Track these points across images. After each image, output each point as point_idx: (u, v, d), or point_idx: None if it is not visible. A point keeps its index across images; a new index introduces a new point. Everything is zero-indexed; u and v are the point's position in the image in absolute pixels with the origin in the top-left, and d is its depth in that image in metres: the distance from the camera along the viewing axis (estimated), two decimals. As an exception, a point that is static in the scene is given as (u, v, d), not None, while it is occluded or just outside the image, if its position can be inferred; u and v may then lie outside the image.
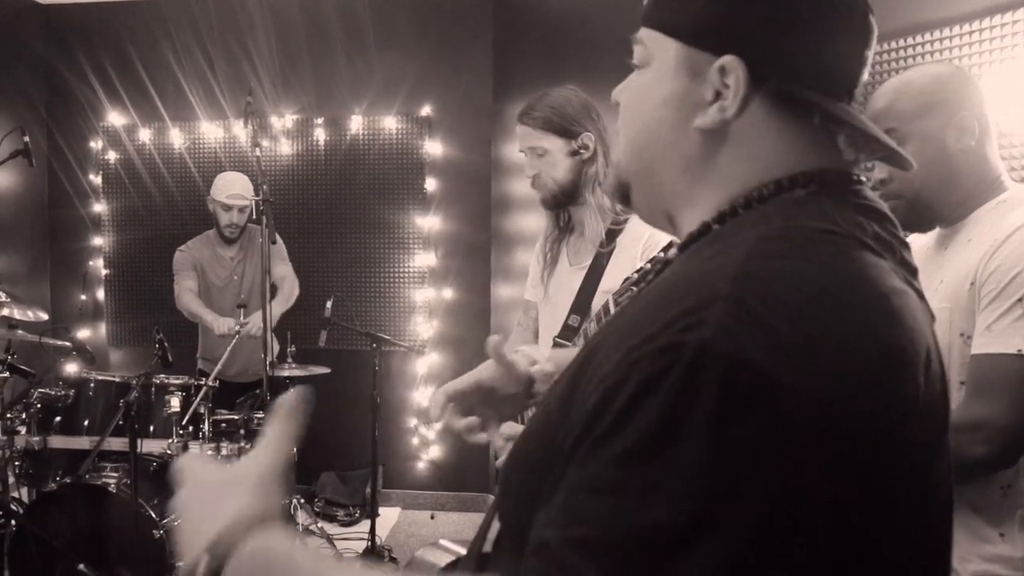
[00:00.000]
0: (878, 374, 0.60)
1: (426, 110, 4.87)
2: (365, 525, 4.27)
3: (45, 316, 3.58)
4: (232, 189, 4.02)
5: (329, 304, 3.91)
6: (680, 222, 0.81)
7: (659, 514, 0.53)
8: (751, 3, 0.72)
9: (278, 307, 4.07)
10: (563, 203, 2.14)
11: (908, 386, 0.63)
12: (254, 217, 3.86)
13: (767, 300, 0.59)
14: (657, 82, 0.78)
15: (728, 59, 0.72)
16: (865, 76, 0.76)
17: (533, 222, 4.81)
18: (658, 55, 0.78)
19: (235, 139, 5.06)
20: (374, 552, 3.99)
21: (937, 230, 1.61)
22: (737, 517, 0.53)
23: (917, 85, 1.53)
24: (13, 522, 3.07)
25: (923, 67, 1.60)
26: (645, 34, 0.80)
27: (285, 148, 5.00)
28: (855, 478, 0.58)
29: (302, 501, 4.36)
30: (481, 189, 4.87)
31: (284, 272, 4.21)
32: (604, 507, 0.56)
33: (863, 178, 0.77)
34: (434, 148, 4.88)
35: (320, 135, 4.97)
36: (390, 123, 4.90)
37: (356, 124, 4.92)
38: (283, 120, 4.98)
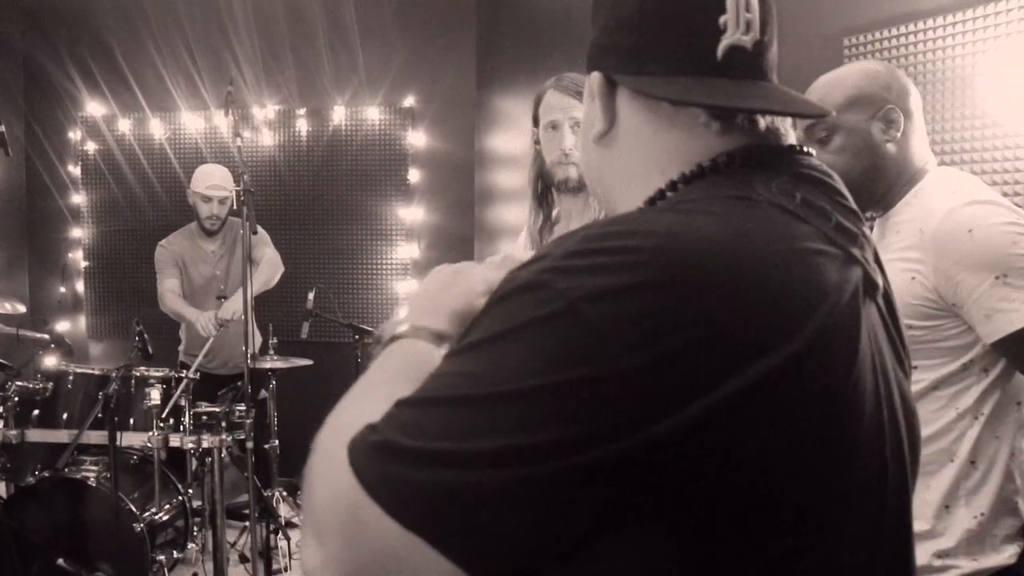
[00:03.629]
0: (713, 318, 0.59)
1: (409, 101, 4.84)
2: (348, 518, 4.23)
3: (23, 308, 3.54)
4: (211, 180, 3.98)
5: (311, 296, 3.88)
6: None
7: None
8: (604, 18, 0.78)
9: (261, 278, 3.97)
10: (584, 187, 1.92)
11: (765, 342, 0.60)
12: (235, 208, 3.82)
13: (599, 237, 0.63)
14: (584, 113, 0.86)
15: (592, 75, 0.79)
16: (739, 34, 0.72)
17: (516, 214, 4.79)
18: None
19: (216, 130, 5.01)
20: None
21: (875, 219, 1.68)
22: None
23: (847, 80, 1.61)
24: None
25: (854, 64, 1.70)
26: None
27: (267, 139, 4.96)
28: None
29: (284, 493, 4.33)
30: (464, 180, 4.85)
31: (268, 252, 4.11)
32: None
33: (804, 149, 0.76)
34: (417, 139, 4.85)
35: (302, 126, 4.93)
36: (373, 114, 4.86)
37: (339, 115, 4.88)
38: (265, 111, 4.94)
